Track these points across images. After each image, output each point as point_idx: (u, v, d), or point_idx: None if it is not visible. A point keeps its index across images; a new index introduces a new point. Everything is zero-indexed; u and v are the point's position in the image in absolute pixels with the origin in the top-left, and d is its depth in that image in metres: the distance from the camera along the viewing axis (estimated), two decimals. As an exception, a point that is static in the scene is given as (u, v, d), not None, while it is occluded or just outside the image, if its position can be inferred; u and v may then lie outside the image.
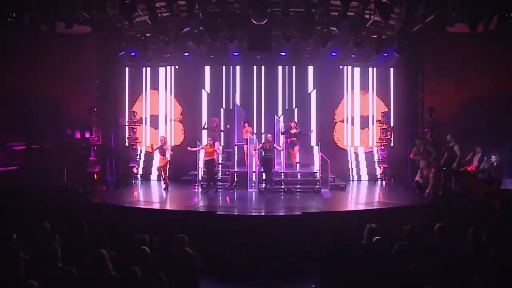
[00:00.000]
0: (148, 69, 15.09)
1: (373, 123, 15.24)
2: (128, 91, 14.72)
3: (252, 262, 8.15)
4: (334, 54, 13.77)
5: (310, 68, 15.11)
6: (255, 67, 15.18)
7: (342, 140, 15.34)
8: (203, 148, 12.22)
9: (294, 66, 15.03)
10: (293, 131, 12.95)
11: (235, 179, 12.90)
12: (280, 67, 15.17)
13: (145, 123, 15.25)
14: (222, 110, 15.14)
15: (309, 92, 15.18)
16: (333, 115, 15.25)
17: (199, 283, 5.65)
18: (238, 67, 15.18)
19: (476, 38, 11.41)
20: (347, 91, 15.26)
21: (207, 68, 15.16)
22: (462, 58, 12.55)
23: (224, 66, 15.06)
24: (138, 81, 14.91)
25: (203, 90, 15.17)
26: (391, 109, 15.00)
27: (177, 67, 15.02)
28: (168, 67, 15.08)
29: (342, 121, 15.34)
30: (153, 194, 12.12)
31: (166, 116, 15.30)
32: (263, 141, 12.30)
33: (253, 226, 8.91)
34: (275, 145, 12.25)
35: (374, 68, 14.96)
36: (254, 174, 12.19)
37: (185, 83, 15.18)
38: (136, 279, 4.33)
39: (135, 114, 14.88)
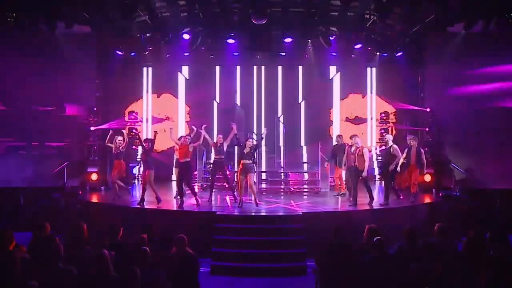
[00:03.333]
0: (148, 69, 15.07)
1: (367, 124, 15.25)
2: (128, 91, 14.69)
3: (252, 262, 8.15)
4: (334, 54, 13.76)
5: (309, 68, 15.08)
6: (255, 67, 15.17)
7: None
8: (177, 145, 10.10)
9: (293, 66, 14.98)
10: (247, 150, 9.68)
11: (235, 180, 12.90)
12: (280, 67, 15.15)
13: (147, 123, 15.22)
14: (218, 107, 15.13)
15: (305, 95, 15.17)
16: (330, 115, 15.23)
17: (199, 283, 5.65)
18: (238, 67, 15.16)
19: (476, 38, 11.41)
20: (346, 92, 15.23)
21: (207, 68, 15.12)
22: (462, 58, 12.54)
23: (224, 66, 15.02)
24: (138, 81, 14.88)
25: (204, 91, 15.14)
26: (391, 109, 14.98)
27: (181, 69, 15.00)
28: (168, 67, 15.03)
29: (345, 121, 15.31)
30: (153, 195, 12.08)
31: (165, 117, 15.29)
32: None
33: (253, 225, 8.91)
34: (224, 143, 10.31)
35: (374, 68, 14.94)
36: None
37: (185, 83, 15.17)
38: (136, 279, 4.33)
39: (135, 114, 14.87)
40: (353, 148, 9.76)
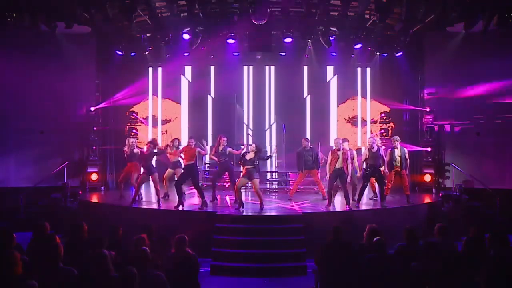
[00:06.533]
0: (148, 69, 15.07)
1: (364, 124, 15.27)
2: (128, 91, 14.69)
3: (252, 262, 8.15)
4: (334, 54, 13.76)
5: (309, 68, 15.09)
6: (255, 67, 15.16)
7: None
8: (181, 152, 10.06)
9: (293, 66, 14.96)
10: (250, 156, 9.35)
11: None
12: (281, 67, 15.13)
13: (151, 124, 15.23)
14: (212, 101, 15.14)
15: (304, 96, 15.18)
16: (330, 116, 15.23)
17: (199, 283, 5.65)
18: (238, 67, 15.14)
19: (476, 38, 11.41)
20: (343, 92, 15.24)
21: (207, 68, 15.14)
22: (462, 58, 12.54)
23: (223, 66, 15.01)
24: (138, 81, 14.87)
25: (204, 90, 15.15)
26: (391, 109, 14.97)
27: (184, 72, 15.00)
28: (170, 68, 15.03)
29: (347, 121, 15.33)
30: (153, 194, 12.09)
31: (163, 117, 15.30)
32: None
33: (253, 225, 8.91)
34: (229, 149, 10.46)
35: (374, 68, 14.93)
36: None
37: (185, 83, 15.17)
38: (133, 279, 4.33)
39: (135, 114, 14.86)
40: (340, 152, 9.57)
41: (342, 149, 9.46)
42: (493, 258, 4.95)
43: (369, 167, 9.75)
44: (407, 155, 10.44)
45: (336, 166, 9.50)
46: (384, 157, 10.09)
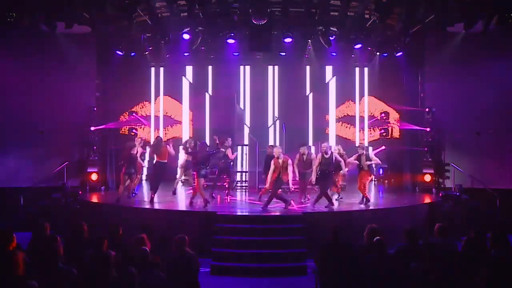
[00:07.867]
0: (150, 69, 15.08)
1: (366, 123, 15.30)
2: (129, 91, 14.69)
3: (252, 262, 8.15)
4: (334, 54, 13.76)
5: (309, 68, 15.08)
6: (255, 67, 15.16)
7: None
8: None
9: (293, 66, 14.96)
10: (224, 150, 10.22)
11: (236, 180, 12.93)
12: (281, 67, 15.14)
13: (153, 124, 15.23)
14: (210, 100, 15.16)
15: (307, 94, 15.20)
16: (329, 115, 15.24)
17: (199, 283, 5.65)
18: (237, 67, 15.14)
19: (476, 38, 11.41)
20: (345, 92, 15.24)
21: (207, 68, 15.14)
22: (462, 58, 12.54)
23: (223, 66, 15.01)
24: (138, 81, 14.88)
25: (204, 90, 15.16)
26: (391, 109, 14.97)
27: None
28: (169, 68, 15.03)
29: (341, 121, 15.34)
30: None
31: (165, 117, 15.30)
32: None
33: (254, 225, 8.91)
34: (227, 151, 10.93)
35: (374, 69, 14.93)
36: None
37: (185, 83, 15.18)
38: (135, 279, 4.33)
39: (135, 114, 14.85)
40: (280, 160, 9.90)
41: (283, 157, 9.80)
42: (493, 258, 4.95)
43: (320, 171, 10.10)
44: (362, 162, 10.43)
45: (278, 175, 9.74)
46: (338, 162, 10.27)
